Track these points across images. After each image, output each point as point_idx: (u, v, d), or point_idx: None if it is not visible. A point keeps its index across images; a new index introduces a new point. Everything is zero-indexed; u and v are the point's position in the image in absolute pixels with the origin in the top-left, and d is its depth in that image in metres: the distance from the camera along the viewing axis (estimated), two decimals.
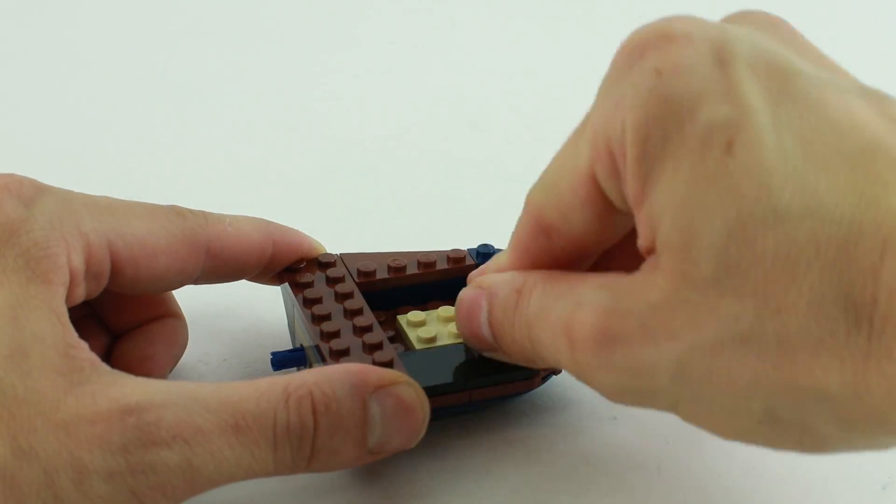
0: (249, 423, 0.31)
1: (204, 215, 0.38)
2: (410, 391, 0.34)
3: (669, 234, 0.27)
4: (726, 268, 0.26)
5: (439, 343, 0.38)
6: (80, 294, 0.35)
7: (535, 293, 0.31)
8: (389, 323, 0.40)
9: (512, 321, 0.32)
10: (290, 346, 0.42)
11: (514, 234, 0.34)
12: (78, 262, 0.34)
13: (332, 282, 0.40)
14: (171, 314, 0.41)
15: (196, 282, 0.39)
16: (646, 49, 0.28)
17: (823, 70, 0.28)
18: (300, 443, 0.32)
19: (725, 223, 0.26)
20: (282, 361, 0.39)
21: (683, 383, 0.27)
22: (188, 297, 0.42)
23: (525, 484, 0.37)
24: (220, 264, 0.39)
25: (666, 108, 0.27)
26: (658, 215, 0.27)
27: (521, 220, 0.33)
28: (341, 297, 0.39)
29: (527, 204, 0.33)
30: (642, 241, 0.28)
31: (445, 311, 0.39)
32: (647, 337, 0.27)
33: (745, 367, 0.26)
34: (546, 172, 0.32)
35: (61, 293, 0.33)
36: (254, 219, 0.40)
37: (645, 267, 0.28)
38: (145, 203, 0.37)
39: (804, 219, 0.25)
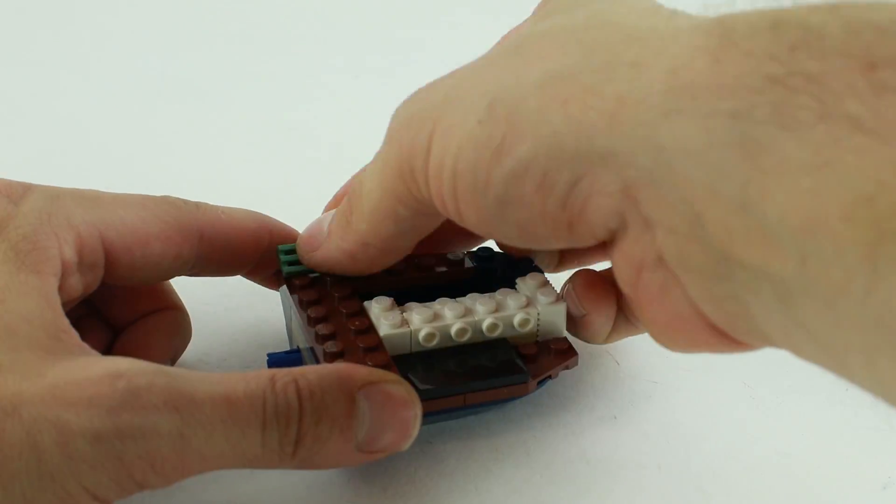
0: (241, 398, 0.31)
1: (196, 204, 0.39)
2: (399, 388, 0.34)
3: None
4: None
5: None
6: (77, 286, 0.35)
7: None
8: None
9: None
10: (288, 348, 0.42)
11: None
12: (70, 253, 0.34)
13: (329, 284, 0.40)
14: (172, 307, 0.41)
15: (193, 270, 0.39)
16: None
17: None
18: (287, 425, 0.32)
19: None
20: (277, 363, 0.39)
21: None
22: (189, 297, 0.42)
23: (525, 484, 0.37)
24: (216, 251, 0.39)
25: None
26: None
27: None
28: (338, 300, 0.39)
29: None
30: None
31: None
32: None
33: None
34: None
35: (52, 282, 0.33)
36: (249, 210, 0.40)
37: None
38: (136, 194, 0.38)
39: None
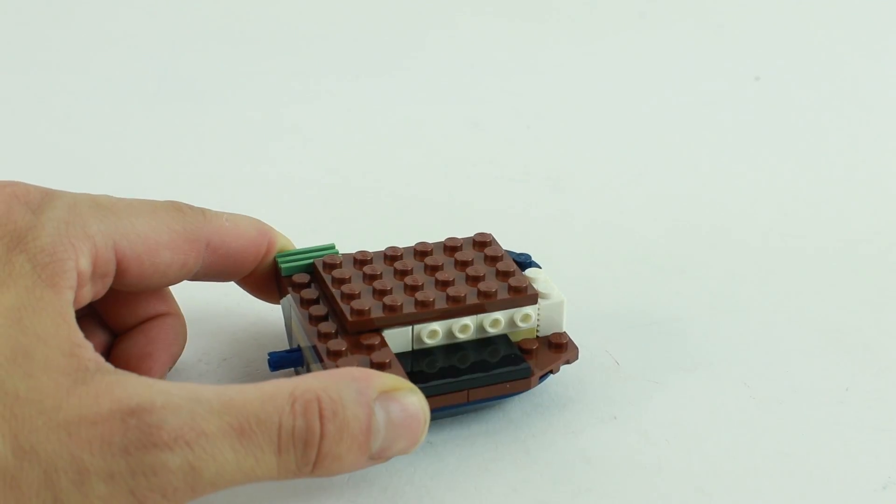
0: (254, 426, 0.31)
1: (202, 211, 0.39)
2: (414, 398, 0.34)
3: None
4: None
5: None
6: (87, 295, 0.35)
7: None
8: None
9: None
10: (287, 347, 0.42)
11: None
12: (85, 265, 0.34)
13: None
14: (171, 313, 0.41)
15: (195, 277, 0.39)
16: None
17: None
18: (305, 448, 0.32)
19: None
20: (279, 362, 0.39)
21: None
22: (189, 297, 0.42)
23: (525, 483, 0.37)
24: (220, 258, 0.39)
25: None
26: None
27: None
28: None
29: None
30: None
31: None
32: None
33: None
34: None
35: (68, 296, 0.33)
36: (249, 217, 0.40)
37: None
38: (145, 200, 0.38)
39: None
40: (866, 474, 0.38)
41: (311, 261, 0.41)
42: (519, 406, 0.40)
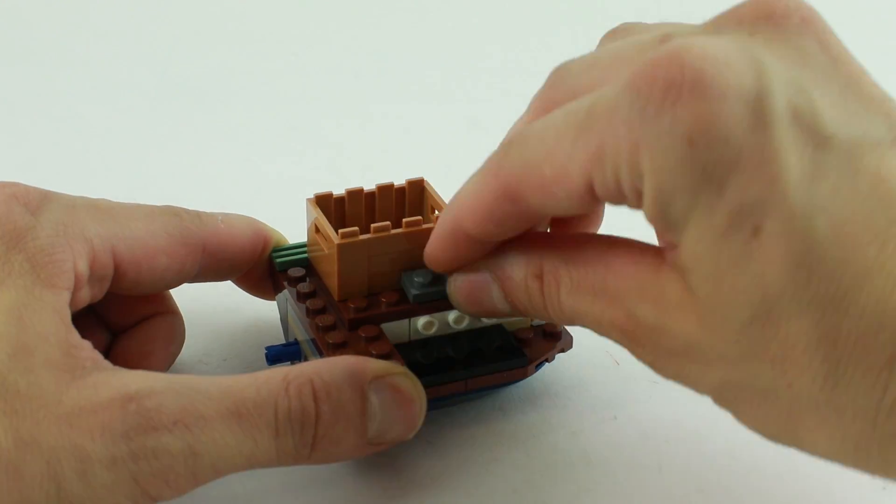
0: (251, 410, 0.32)
1: (198, 214, 0.39)
2: (407, 381, 0.35)
3: (700, 290, 0.28)
4: (749, 338, 0.28)
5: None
6: (85, 297, 0.36)
7: (562, 285, 0.32)
8: None
9: (542, 306, 0.33)
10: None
11: (473, 191, 0.33)
12: (83, 267, 0.35)
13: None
14: (169, 311, 0.41)
15: (193, 280, 0.40)
16: (677, 96, 0.27)
17: (856, 114, 0.29)
18: (302, 430, 0.33)
19: (751, 308, 0.27)
20: (276, 356, 0.40)
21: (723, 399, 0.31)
22: (188, 297, 0.42)
23: (525, 483, 0.37)
24: (216, 261, 0.39)
25: (696, 178, 0.27)
26: (686, 269, 0.29)
27: (486, 181, 0.33)
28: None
29: (499, 168, 0.32)
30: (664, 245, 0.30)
31: None
32: (691, 359, 0.30)
33: (757, 412, 0.30)
34: (528, 145, 0.31)
35: (65, 297, 0.34)
36: (244, 216, 0.41)
37: (672, 282, 0.29)
38: (143, 205, 0.38)
39: (828, 310, 0.27)
40: (866, 474, 0.38)
41: (305, 255, 0.41)
42: (519, 406, 0.40)
